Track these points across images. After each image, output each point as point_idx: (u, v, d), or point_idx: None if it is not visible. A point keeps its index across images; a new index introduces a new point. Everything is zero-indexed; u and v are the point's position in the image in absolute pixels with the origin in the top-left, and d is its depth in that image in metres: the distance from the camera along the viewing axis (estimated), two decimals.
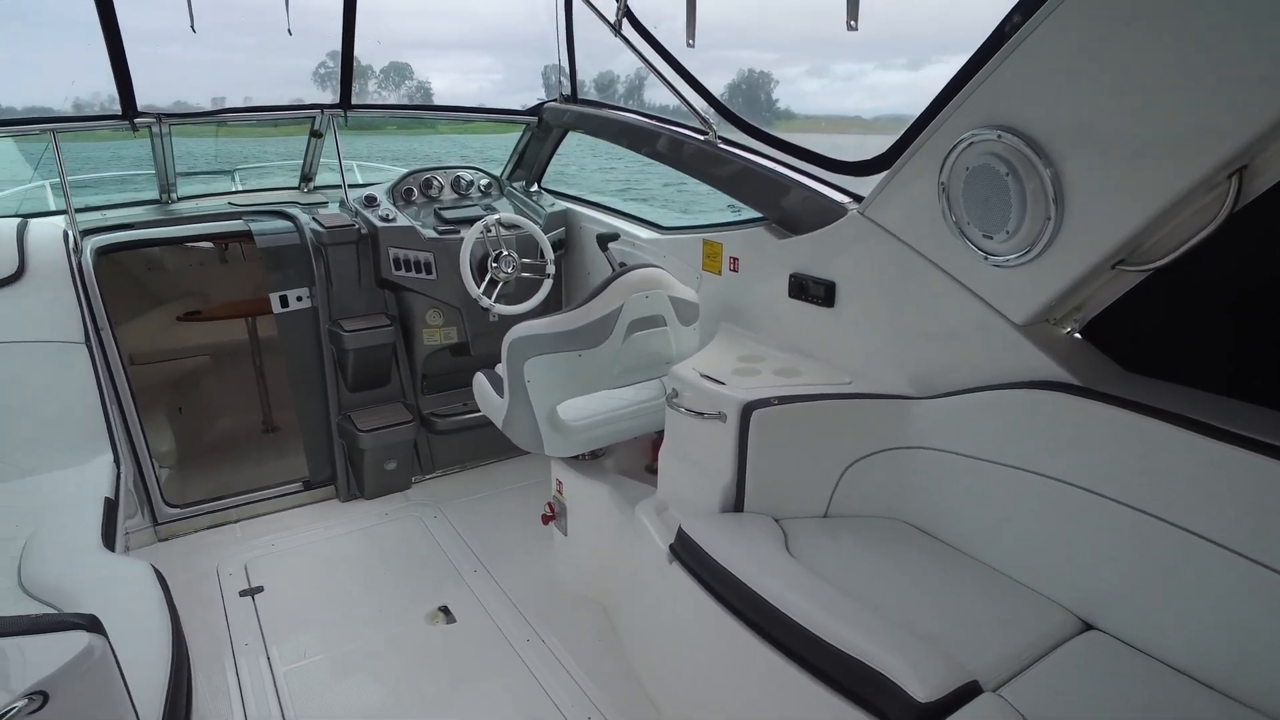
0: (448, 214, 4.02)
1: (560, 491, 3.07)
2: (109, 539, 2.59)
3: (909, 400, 2.31)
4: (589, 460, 3.09)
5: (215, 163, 5.55)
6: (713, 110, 3.13)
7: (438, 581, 3.25)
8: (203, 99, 4.06)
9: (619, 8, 3.26)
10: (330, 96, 4.22)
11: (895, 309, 2.40)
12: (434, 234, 3.84)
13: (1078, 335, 2.08)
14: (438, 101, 5.04)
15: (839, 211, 2.57)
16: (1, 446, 3.06)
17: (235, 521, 3.77)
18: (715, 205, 3.17)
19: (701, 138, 3.13)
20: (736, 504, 2.35)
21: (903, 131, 2.33)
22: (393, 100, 4.26)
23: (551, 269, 3.87)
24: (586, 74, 4.21)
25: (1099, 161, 1.74)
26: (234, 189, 5.10)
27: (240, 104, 4.15)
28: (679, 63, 3.15)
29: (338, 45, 3.99)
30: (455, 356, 4.11)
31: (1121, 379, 1.99)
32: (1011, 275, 2.02)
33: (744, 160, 2.98)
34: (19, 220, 3.55)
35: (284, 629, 2.99)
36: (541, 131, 4.39)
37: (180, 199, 4.39)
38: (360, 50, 4.06)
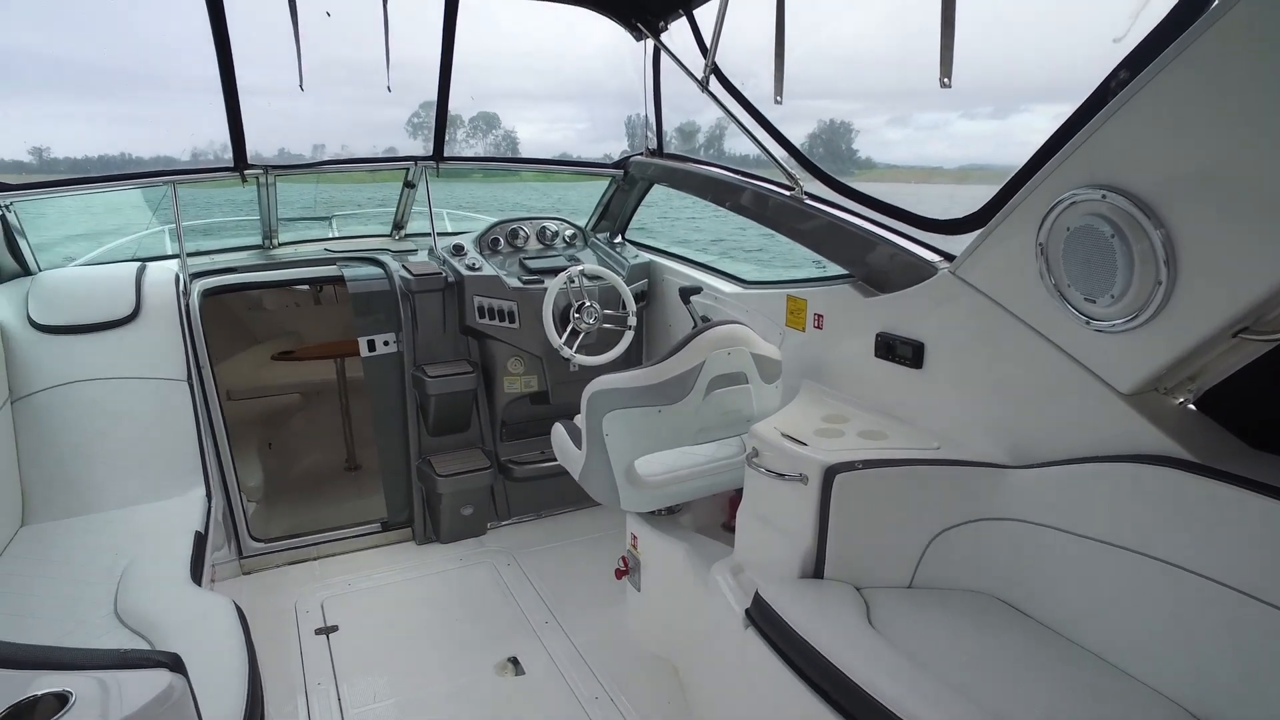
0: (532, 264, 4.09)
1: (635, 546, 3.03)
2: (196, 573, 2.67)
3: (1003, 469, 2.19)
4: (665, 515, 3.04)
5: (316, 208, 5.82)
6: (797, 164, 3.11)
7: (509, 631, 3.23)
8: (303, 147, 4.30)
9: (707, 65, 3.30)
10: (422, 146, 4.40)
11: (988, 373, 2.30)
12: (518, 283, 3.92)
13: (1192, 406, 1.94)
14: (523, 149, 5.21)
15: (929, 270, 2.50)
16: (108, 476, 3.23)
17: (315, 559, 3.85)
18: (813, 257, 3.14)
19: (788, 193, 3.11)
20: (816, 570, 2.26)
21: (998, 188, 2.26)
22: (480, 147, 4.42)
23: (633, 321, 3.88)
24: (669, 123, 4.28)
25: (1219, 223, 1.63)
26: (330, 235, 5.34)
27: (338, 151, 4.39)
28: (765, 118, 3.16)
29: (431, 97, 4.16)
30: (535, 405, 4.15)
31: (1243, 455, 1.84)
32: (1117, 341, 1.91)
33: (829, 215, 2.94)
34: (139, 264, 3.78)
35: (356, 670, 3.01)
36: (626, 184, 4.46)
37: (281, 244, 4.61)
38: (453, 103, 4.23)
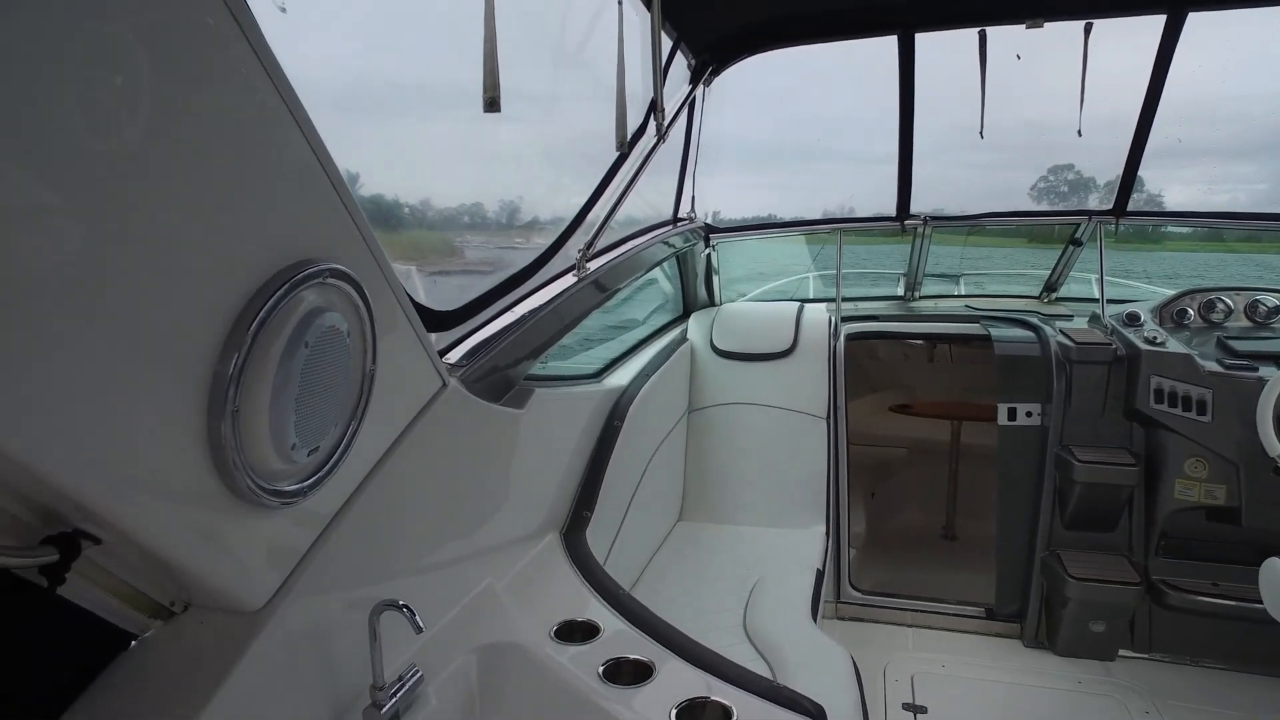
0: (1238, 345, 3.25)
1: None
2: (814, 610, 2.71)
3: None
4: None
5: (961, 267, 5.74)
6: None
7: None
8: (921, 208, 4.24)
9: None
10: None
11: None
12: (1217, 367, 3.13)
13: None
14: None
15: None
16: (748, 494, 3.55)
17: (909, 626, 3.66)
18: None
19: None
20: None
21: None
22: None
23: None
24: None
25: None
26: (956, 292, 5.17)
27: (957, 212, 4.24)
28: None
29: (1058, 160, 3.83)
30: (1213, 522, 3.26)
31: None
32: None
33: None
34: (798, 304, 4.12)
35: None
36: None
37: (920, 297, 4.59)
38: (1090, 164, 3.81)
